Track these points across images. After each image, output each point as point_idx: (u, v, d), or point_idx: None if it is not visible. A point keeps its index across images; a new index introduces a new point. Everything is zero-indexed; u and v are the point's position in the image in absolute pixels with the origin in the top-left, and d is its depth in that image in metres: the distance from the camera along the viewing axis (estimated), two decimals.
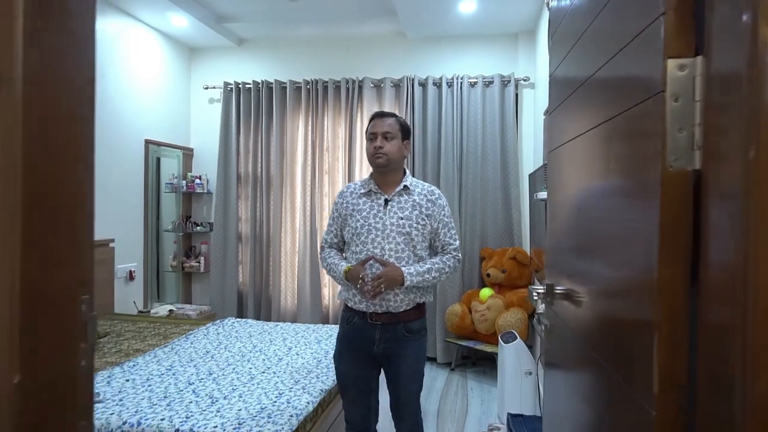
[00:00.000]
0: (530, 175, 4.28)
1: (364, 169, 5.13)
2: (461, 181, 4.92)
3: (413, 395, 2.29)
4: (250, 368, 2.92)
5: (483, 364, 4.90)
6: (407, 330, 2.23)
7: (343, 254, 2.38)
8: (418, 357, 2.29)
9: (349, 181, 5.12)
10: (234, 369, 2.90)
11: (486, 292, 4.62)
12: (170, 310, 4.81)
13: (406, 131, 2.33)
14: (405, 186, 2.29)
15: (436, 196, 2.32)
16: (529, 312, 4.41)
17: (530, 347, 3.84)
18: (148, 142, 4.90)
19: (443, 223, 2.30)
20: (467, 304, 4.68)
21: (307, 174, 5.23)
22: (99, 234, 4.14)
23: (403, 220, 2.23)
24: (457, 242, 2.35)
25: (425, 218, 2.26)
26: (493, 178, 4.89)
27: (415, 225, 2.23)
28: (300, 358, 3.12)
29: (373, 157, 2.27)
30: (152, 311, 4.73)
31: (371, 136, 2.29)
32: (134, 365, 2.93)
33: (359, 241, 2.24)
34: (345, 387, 2.34)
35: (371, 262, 2.19)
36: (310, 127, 5.22)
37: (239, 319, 4.08)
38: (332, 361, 2.53)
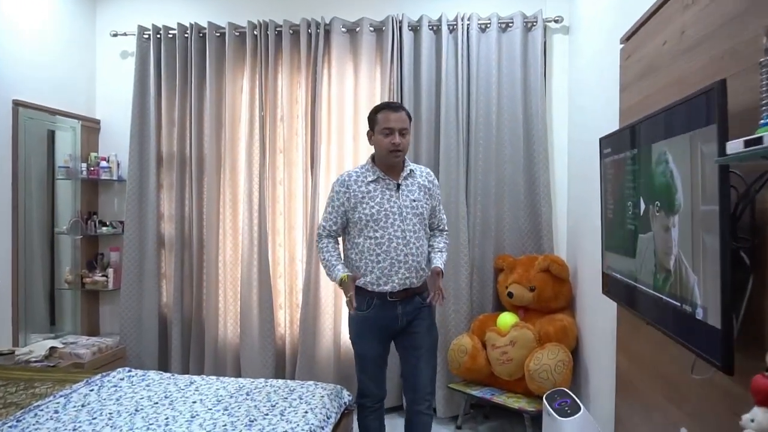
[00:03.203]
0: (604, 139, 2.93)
1: (332, 147, 3.71)
2: (468, 163, 3.53)
3: (433, 364, 2.49)
4: None
5: (500, 416, 3.51)
6: (423, 300, 2.43)
7: (346, 242, 2.49)
8: (434, 324, 2.53)
9: (312, 162, 3.69)
10: None
11: (507, 319, 3.24)
12: (51, 348, 3.31)
13: (410, 121, 2.46)
14: (410, 170, 2.46)
15: (432, 177, 2.56)
16: (571, 349, 3.04)
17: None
18: (17, 104, 3.39)
19: (438, 201, 2.56)
20: (479, 336, 3.30)
21: (254, 154, 3.77)
22: None
23: (416, 202, 2.42)
24: (445, 216, 2.64)
25: (429, 198, 2.48)
26: (512, 157, 3.51)
27: (424, 205, 2.45)
28: None
29: (390, 153, 2.37)
30: (22, 350, 3.22)
31: (387, 131, 2.36)
32: None
33: (378, 226, 2.35)
34: (366, 365, 2.44)
35: (395, 245, 2.34)
36: (257, 90, 3.77)
37: (132, 372, 2.61)
38: None
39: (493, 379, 3.23)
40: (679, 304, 1.37)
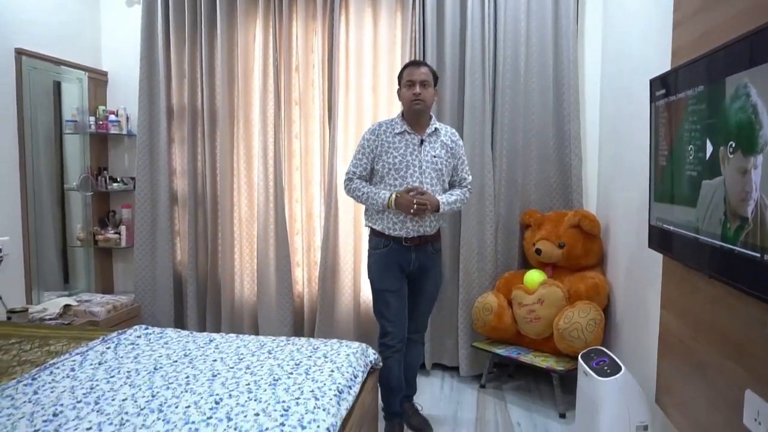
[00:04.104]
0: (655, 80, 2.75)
1: (351, 98, 3.54)
2: (494, 115, 3.35)
3: (431, 306, 2.79)
4: None
5: (526, 375, 3.43)
6: (434, 249, 2.68)
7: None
8: (440, 272, 2.80)
9: (329, 114, 3.52)
10: None
11: (535, 277, 3.12)
12: (65, 306, 3.24)
13: (435, 79, 2.64)
14: (435, 128, 2.64)
15: (457, 137, 2.72)
16: (602, 307, 2.92)
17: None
18: (20, 53, 3.23)
19: (462, 161, 2.72)
20: (505, 294, 3.18)
21: (269, 106, 3.60)
22: None
23: (436, 158, 2.60)
24: (470, 177, 2.76)
25: (450, 157, 2.65)
26: (541, 108, 3.32)
27: (444, 162, 2.62)
28: None
29: (412, 103, 2.54)
30: (36, 308, 3.15)
31: (409, 83, 2.54)
32: None
33: (398, 175, 2.56)
34: (389, 302, 2.60)
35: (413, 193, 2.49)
36: (271, 39, 3.57)
37: (149, 330, 2.52)
38: None
39: (519, 338, 3.13)
40: (759, 255, 1.22)
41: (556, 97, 3.31)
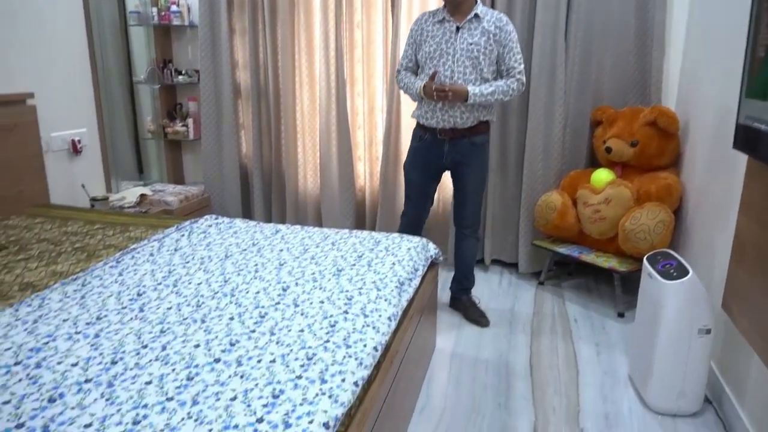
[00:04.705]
0: None
1: None
2: (570, 0, 3.08)
3: (477, 200, 2.77)
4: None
5: (586, 275, 3.42)
6: (472, 143, 2.64)
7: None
8: (481, 167, 2.72)
9: (392, 2, 3.35)
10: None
11: (602, 176, 3.01)
12: (141, 195, 3.42)
13: None
14: (476, 14, 2.52)
15: (504, 22, 2.54)
16: (673, 209, 2.81)
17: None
18: None
19: (509, 48, 2.55)
20: (570, 194, 3.11)
21: None
22: (1, 85, 2.66)
23: (472, 45, 2.50)
24: (522, 66, 2.58)
25: (493, 44, 2.52)
26: None
27: (483, 50, 2.51)
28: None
29: None
30: (115, 197, 3.34)
31: None
32: None
33: (431, 64, 2.56)
34: (411, 192, 2.82)
35: (438, 77, 2.52)
36: None
37: (219, 220, 2.64)
38: None
39: (582, 238, 3.09)
40: None
41: None
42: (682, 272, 2.02)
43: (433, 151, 2.66)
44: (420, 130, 2.70)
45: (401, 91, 3.29)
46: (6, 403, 1.24)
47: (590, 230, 2.98)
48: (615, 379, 2.33)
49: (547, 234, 3.21)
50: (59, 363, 1.40)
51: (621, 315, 2.89)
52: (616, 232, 2.87)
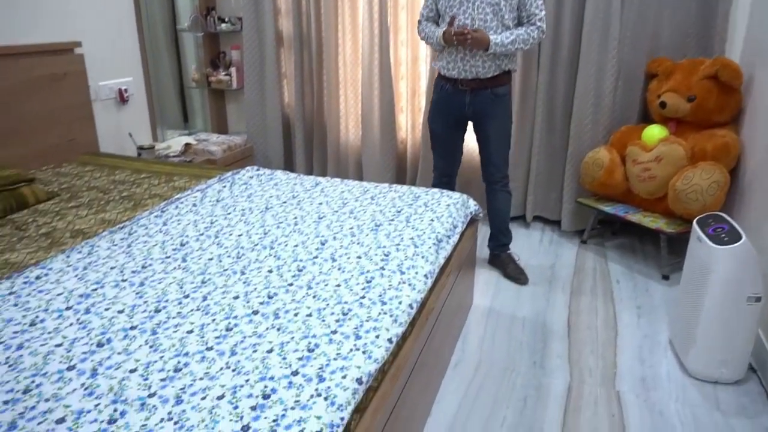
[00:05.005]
0: None
1: None
2: None
3: (502, 152, 2.72)
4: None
5: (630, 235, 3.33)
6: (494, 94, 2.60)
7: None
8: (504, 117, 2.68)
9: None
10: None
11: (655, 133, 2.87)
12: (186, 144, 3.48)
13: None
14: None
15: None
16: (729, 170, 2.68)
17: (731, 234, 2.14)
18: None
19: None
20: (619, 150, 2.99)
21: None
22: (50, 34, 2.69)
23: None
24: (543, 12, 2.51)
25: None
26: None
27: None
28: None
29: None
30: (161, 146, 3.41)
31: None
32: (32, 280, 1.64)
33: (451, 13, 2.51)
34: (436, 144, 2.83)
35: (457, 22, 2.47)
36: None
37: (260, 171, 2.66)
38: None
39: (629, 197, 2.98)
40: None
41: None
42: (734, 237, 1.94)
43: (454, 102, 2.64)
44: (441, 81, 2.68)
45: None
46: (59, 345, 1.31)
47: (638, 189, 2.87)
48: (655, 342, 2.29)
49: (592, 192, 3.12)
50: (107, 309, 1.47)
51: (666, 277, 2.82)
52: (665, 192, 2.76)
